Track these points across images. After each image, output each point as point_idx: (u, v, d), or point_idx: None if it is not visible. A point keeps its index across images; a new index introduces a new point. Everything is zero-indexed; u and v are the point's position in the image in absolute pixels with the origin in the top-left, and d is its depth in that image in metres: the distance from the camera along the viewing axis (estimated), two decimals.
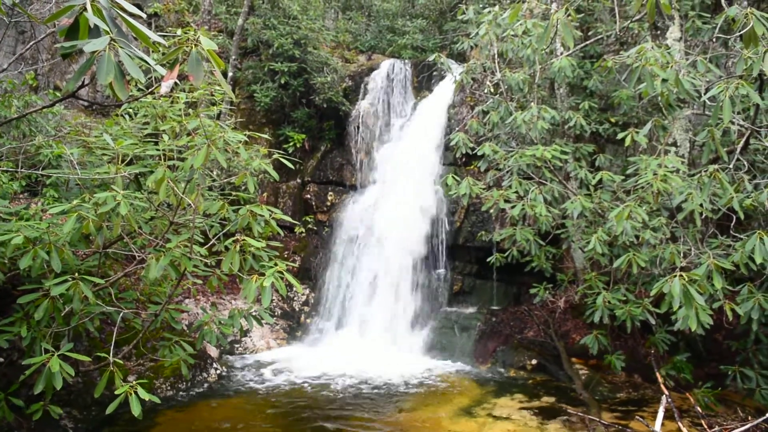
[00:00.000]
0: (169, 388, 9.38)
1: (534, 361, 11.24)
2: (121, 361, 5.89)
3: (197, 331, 7.27)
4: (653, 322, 8.91)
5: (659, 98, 7.84)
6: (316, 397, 9.59)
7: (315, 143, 15.73)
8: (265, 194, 14.71)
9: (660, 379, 8.84)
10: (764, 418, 6.74)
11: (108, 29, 2.90)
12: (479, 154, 9.89)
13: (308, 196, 15.26)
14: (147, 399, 5.28)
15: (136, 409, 5.19)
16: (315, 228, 14.98)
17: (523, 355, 11.45)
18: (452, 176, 9.82)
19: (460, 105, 14.39)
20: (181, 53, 3.48)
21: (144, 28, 3.05)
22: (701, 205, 7.40)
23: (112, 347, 5.92)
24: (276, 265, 5.54)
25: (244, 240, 5.55)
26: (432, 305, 13.39)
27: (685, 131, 9.48)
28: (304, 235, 14.80)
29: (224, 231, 6.49)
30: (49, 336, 6.12)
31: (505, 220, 12.27)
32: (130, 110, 8.00)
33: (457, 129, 12.98)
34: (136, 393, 5.24)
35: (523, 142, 10.73)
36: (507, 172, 10.06)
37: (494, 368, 11.42)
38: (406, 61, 16.41)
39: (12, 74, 11.29)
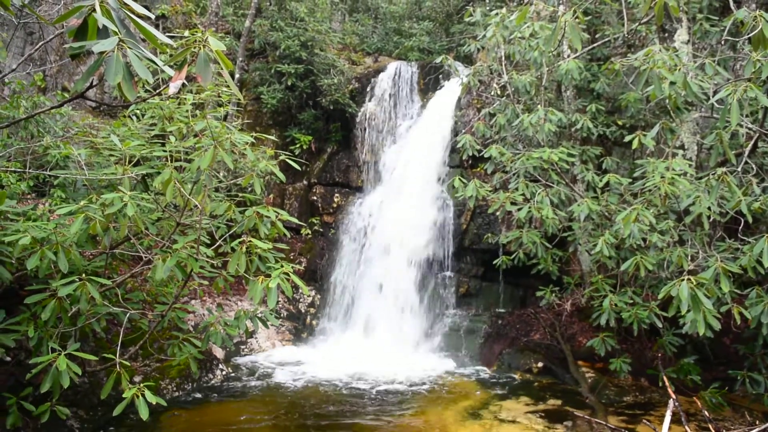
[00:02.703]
0: (175, 388, 9.39)
1: (540, 364, 11.20)
2: (127, 362, 5.89)
3: (203, 331, 7.27)
4: (660, 325, 8.86)
5: (667, 101, 7.80)
6: (322, 398, 9.58)
7: (321, 145, 15.75)
8: (271, 196, 14.73)
9: (667, 383, 8.79)
10: None
11: (117, 30, 2.90)
12: (486, 156, 9.87)
13: (314, 197, 15.27)
14: (154, 402, 5.29)
15: (143, 413, 5.19)
16: (321, 230, 14.98)
17: (529, 357, 11.41)
18: (459, 178, 9.79)
19: (467, 107, 14.37)
20: (189, 54, 3.48)
21: (152, 29, 3.06)
22: (709, 208, 7.37)
23: (118, 348, 5.94)
24: (282, 266, 5.54)
25: (250, 241, 5.56)
26: (438, 307, 13.36)
27: (693, 134, 9.44)
28: (310, 236, 14.81)
29: (231, 232, 6.49)
30: (56, 336, 6.14)
31: (511, 222, 12.24)
32: (138, 111, 8.03)
33: (463, 131, 12.96)
34: (143, 395, 5.24)
35: (530, 145, 10.71)
36: (513, 174, 10.04)
37: (500, 371, 11.38)
38: (413, 63, 16.41)
39: (20, 75, 11.34)
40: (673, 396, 7.64)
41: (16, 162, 8.16)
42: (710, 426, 7.45)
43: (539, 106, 9.95)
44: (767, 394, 8.64)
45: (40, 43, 6.11)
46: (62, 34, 11.45)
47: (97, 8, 2.85)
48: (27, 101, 8.92)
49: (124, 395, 5.24)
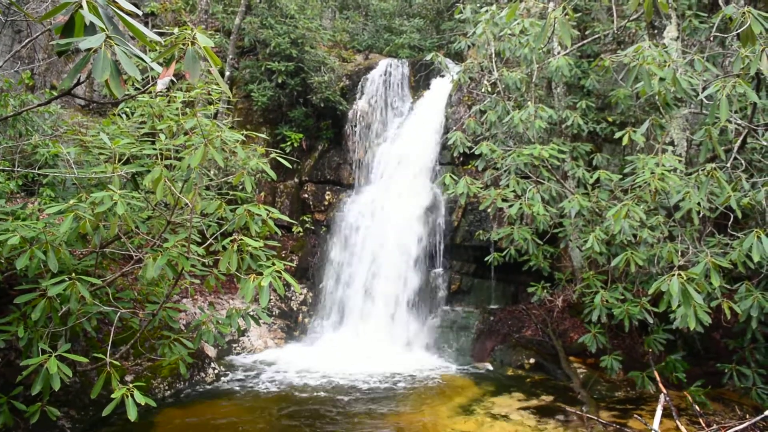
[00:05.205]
0: (166, 387, 9.35)
1: (532, 360, 11.24)
2: (118, 362, 5.86)
3: (195, 330, 7.25)
4: (651, 320, 8.91)
5: (656, 97, 7.85)
6: (315, 396, 9.57)
7: (312, 143, 15.71)
8: (262, 194, 14.67)
9: (658, 378, 8.84)
10: (762, 416, 6.73)
11: (104, 26, 2.88)
12: (477, 153, 9.88)
13: (306, 195, 15.24)
14: (143, 402, 5.25)
15: (132, 413, 5.16)
16: (313, 227, 14.95)
17: (521, 354, 11.45)
18: (450, 175, 9.81)
19: (458, 104, 14.38)
20: (177, 51, 3.46)
21: (141, 27, 3.03)
22: (699, 203, 7.41)
23: (109, 347, 5.90)
24: (273, 264, 5.53)
25: (241, 239, 5.54)
26: (430, 304, 13.38)
27: (683, 130, 9.48)
28: (301, 234, 14.78)
29: (222, 230, 6.47)
30: (47, 336, 6.11)
31: (502, 219, 12.26)
32: (127, 110, 7.98)
33: (454, 128, 12.94)
34: (131, 396, 5.21)
35: (521, 141, 10.73)
36: (504, 171, 10.06)
37: (492, 367, 11.42)
38: (404, 60, 16.40)
39: (8, 73, 11.25)
40: (664, 390, 7.68)
41: (4, 161, 8.09)
42: (701, 420, 7.50)
43: (530, 102, 9.97)
44: (755, 388, 8.72)
45: (28, 40, 6.06)
46: (50, 32, 11.36)
47: (84, 5, 2.83)
48: (15, 99, 8.84)
49: (113, 395, 5.21)
